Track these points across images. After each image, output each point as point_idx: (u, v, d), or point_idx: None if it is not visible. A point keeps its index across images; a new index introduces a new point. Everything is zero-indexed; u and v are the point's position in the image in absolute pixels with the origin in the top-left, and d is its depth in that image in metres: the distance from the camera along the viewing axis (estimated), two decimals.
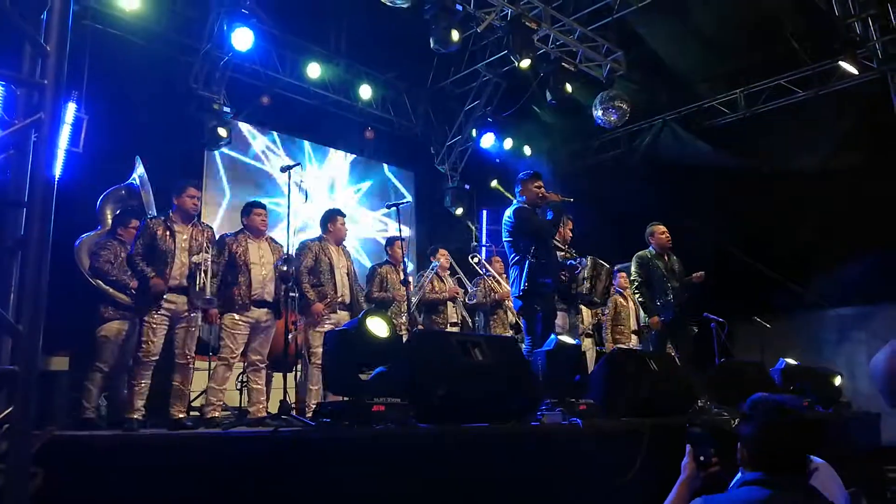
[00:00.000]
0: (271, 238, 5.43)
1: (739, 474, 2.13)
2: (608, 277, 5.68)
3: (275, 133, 9.37)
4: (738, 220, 9.29)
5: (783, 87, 9.39)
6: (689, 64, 9.31)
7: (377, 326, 3.58)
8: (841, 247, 8.36)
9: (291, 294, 5.25)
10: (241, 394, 5.84)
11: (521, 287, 5.04)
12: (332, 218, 5.77)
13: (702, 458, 2.43)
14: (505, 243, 5.36)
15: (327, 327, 5.26)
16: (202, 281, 4.73)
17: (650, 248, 6.46)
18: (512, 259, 5.23)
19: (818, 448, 2.16)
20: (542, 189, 5.35)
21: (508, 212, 5.29)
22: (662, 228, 6.50)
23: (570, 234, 5.85)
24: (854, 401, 7.41)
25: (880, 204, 7.97)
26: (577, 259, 5.63)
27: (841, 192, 8.39)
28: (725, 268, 9.00)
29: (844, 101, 8.78)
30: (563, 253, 5.71)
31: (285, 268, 5.09)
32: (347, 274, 5.68)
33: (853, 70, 8.29)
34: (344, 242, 5.88)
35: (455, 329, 6.79)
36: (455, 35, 7.61)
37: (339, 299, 5.50)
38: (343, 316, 5.49)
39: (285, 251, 5.21)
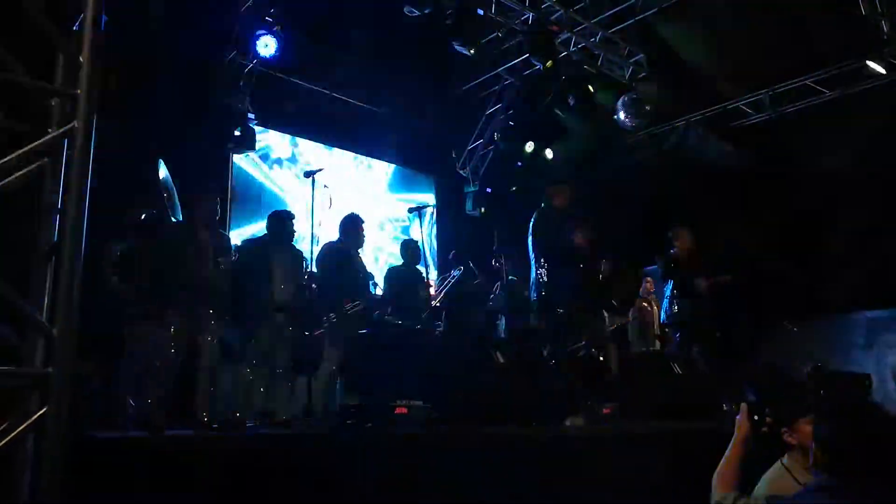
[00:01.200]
0: (293, 245, 5.47)
1: (813, 477, 2.09)
2: (636, 282, 5.65)
3: (298, 138, 9.45)
4: (765, 222, 9.18)
5: (809, 87, 9.25)
6: (712, 65, 9.23)
7: (395, 321, 3.61)
8: (870, 249, 8.23)
9: (312, 298, 5.30)
10: (265, 397, 5.90)
11: (541, 290, 5.05)
12: (352, 223, 5.80)
13: (756, 418, 2.41)
14: (529, 246, 5.38)
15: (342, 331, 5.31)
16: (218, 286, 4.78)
17: (672, 250, 6.50)
18: (532, 262, 5.25)
19: None
20: (564, 196, 5.37)
21: (535, 215, 5.33)
22: (685, 231, 6.52)
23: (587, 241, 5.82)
24: (884, 406, 7.27)
25: None
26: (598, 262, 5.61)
27: (871, 193, 8.27)
28: (752, 270, 8.90)
29: (872, 101, 8.64)
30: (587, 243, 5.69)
31: (305, 279, 5.16)
32: (365, 278, 5.71)
33: (881, 70, 8.16)
34: (363, 247, 5.90)
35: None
36: (476, 40, 7.64)
37: (358, 304, 5.53)
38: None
39: (308, 259, 5.26)
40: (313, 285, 5.25)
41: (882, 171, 8.15)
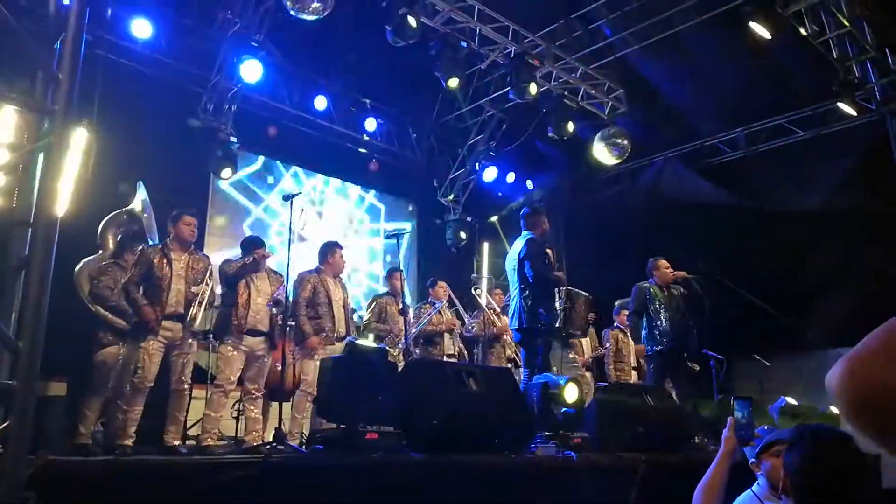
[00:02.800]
0: (270, 269, 5.46)
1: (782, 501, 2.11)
2: (585, 307, 5.65)
3: (280, 163, 9.49)
4: (740, 258, 9.31)
5: (784, 126, 9.49)
6: (689, 103, 9.44)
7: (366, 342, 3.61)
8: (842, 286, 8.37)
9: (290, 324, 5.28)
10: (237, 423, 5.83)
11: (523, 318, 5.09)
12: (330, 250, 5.79)
13: (742, 433, 2.41)
14: (510, 272, 5.41)
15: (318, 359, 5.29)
16: (194, 311, 4.77)
17: (651, 280, 6.55)
18: (515, 289, 5.28)
19: (867, 485, 2.05)
20: (546, 223, 5.44)
21: (520, 242, 5.36)
22: (666, 263, 6.60)
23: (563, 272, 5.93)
24: (854, 437, 7.33)
25: (880, 244, 8.01)
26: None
27: (841, 231, 8.44)
28: (726, 305, 9.01)
29: (844, 141, 8.88)
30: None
31: (274, 310, 5.15)
32: (344, 306, 5.69)
33: (852, 112, 8.40)
34: (342, 274, 5.90)
35: (451, 360, 6.79)
36: (459, 71, 7.78)
37: (336, 333, 5.50)
38: (339, 348, 5.46)
39: (285, 283, 5.25)
40: (285, 311, 5.24)
41: (853, 209, 8.33)
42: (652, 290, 6.49)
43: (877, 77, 8.46)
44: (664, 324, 6.32)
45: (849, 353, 0.77)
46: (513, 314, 5.31)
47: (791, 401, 6.66)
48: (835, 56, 8.16)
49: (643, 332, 6.58)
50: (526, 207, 5.63)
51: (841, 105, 8.41)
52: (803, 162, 9.18)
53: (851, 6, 7.71)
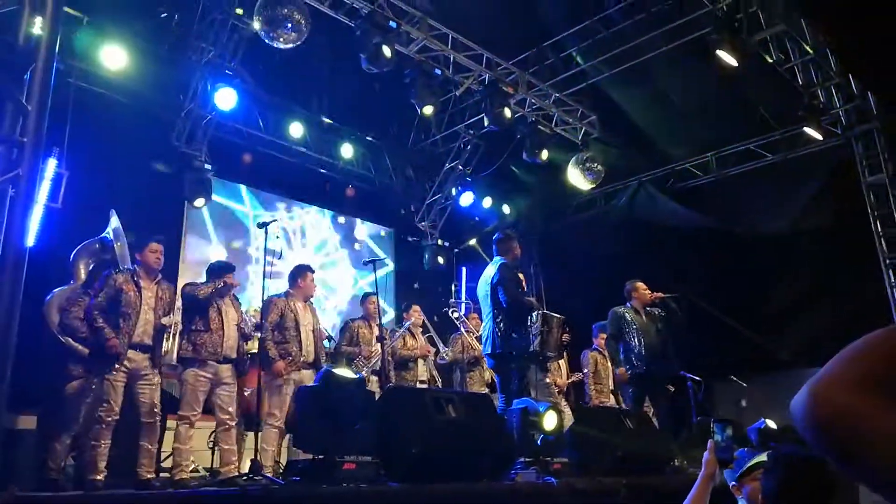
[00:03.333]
0: (234, 296, 5.42)
1: None
2: (559, 329, 5.67)
3: (256, 190, 9.46)
4: (714, 280, 9.43)
5: (752, 151, 9.69)
6: (660, 128, 9.62)
7: (344, 372, 3.58)
8: (813, 306, 8.51)
9: (253, 352, 5.23)
10: (213, 454, 5.72)
11: (497, 343, 5.09)
12: (301, 274, 5.75)
13: (722, 455, 2.43)
14: (482, 298, 5.42)
15: (289, 386, 5.23)
16: (168, 346, 4.71)
17: (628, 304, 6.60)
18: (488, 315, 5.28)
19: None
20: (518, 248, 5.48)
21: (493, 268, 5.38)
22: (643, 285, 6.65)
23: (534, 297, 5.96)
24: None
25: (849, 263, 8.17)
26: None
27: (811, 252, 8.60)
28: (702, 327, 9.10)
29: (811, 164, 9.08)
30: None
31: (246, 330, 5.12)
32: (313, 331, 5.64)
33: (818, 136, 8.61)
34: (312, 299, 5.85)
35: (423, 386, 6.75)
36: (434, 98, 7.86)
37: (303, 358, 5.44)
38: (306, 374, 5.41)
39: (245, 310, 5.22)
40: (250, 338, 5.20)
41: (821, 230, 8.50)
42: (628, 314, 6.54)
43: (841, 102, 8.71)
44: (639, 348, 6.37)
45: (812, 378, 0.78)
46: (486, 340, 5.32)
47: (771, 424, 6.68)
48: (800, 82, 8.39)
49: (620, 356, 6.61)
50: (498, 233, 5.68)
51: (807, 129, 8.62)
52: (772, 185, 9.37)
53: (815, 35, 7.94)
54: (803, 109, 8.41)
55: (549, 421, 4.27)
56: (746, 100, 8.86)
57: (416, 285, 10.45)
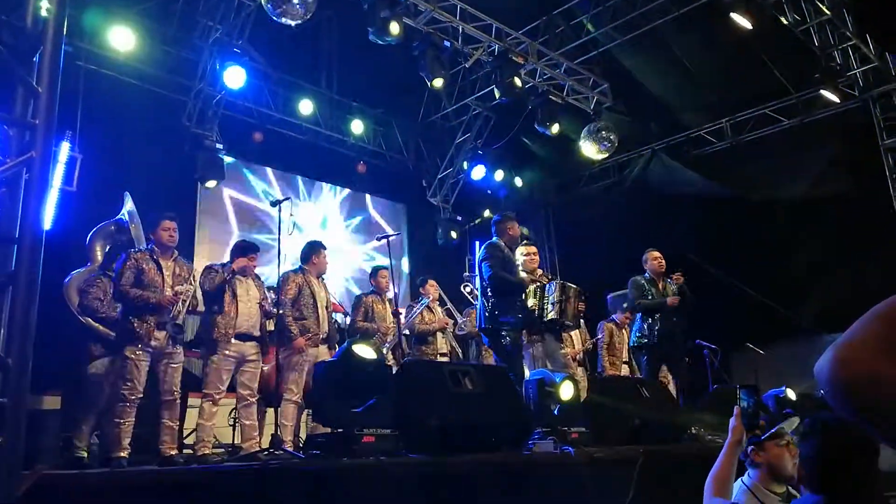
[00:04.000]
0: (256, 275, 5.45)
1: (799, 495, 2.11)
2: (576, 298, 5.69)
3: (268, 169, 9.46)
4: (729, 248, 9.36)
5: (768, 115, 9.54)
6: (674, 95, 9.48)
7: (364, 352, 3.60)
8: (831, 271, 8.43)
9: (270, 329, 5.27)
10: (233, 430, 5.81)
11: (484, 319, 5.17)
12: (315, 250, 5.74)
13: (748, 421, 2.41)
14: (475, 276, 5.50)
15: (306, 362, 5.29)
16: (178, 310, 4.74)
17: (645, 273, 6.61)
18: (479, 291, 5.35)
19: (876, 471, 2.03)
20: (516, 229, 5.50)
21: (482, 247, 5.46)
22: (657, 254, 6.69)
23: (529, 259, 5.91)
24: None
25: (866, 228, 8.07)
26: (548, 284, 5.69)
27: (828, 217, 8.50)
28: (718, 295, 9.05)
29: (828, 128, 8.94)
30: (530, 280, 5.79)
31: (271, 308, 5.15)
32: (326, 307, 5.66)
33: (835, 98, 8.45)
34: (325, 275, 5.86)
35: (444, 359, 6.79)
36: (440, 80, 7.78)
37: (321, 334, 5.47)
38: (322, 350, 5.44)
39: (267, 287, 5.26)
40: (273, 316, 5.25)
41: (839, 195, 8.39)
42: (646, 283, 6.58)
43: (858, 64, 8.54)
44: (656, 317, 6.42)
45: (836, 341, 0.77)
46: (478, 316, 5.39)
47: (790, 392, 6.66)
48: (816, 44, 8.23)
49: (637, 324, 6.67)
50: (497, 215, 5.71)
51: (824, 92, 8.47)
52: (789, 150, 9.24)
53: None
54: (820, 72, 8.26)
55: (566, 391, 4.28)
56: (761, 63, 8.70)
57: (429, 260, 10.45)
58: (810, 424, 2.07)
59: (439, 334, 6.88)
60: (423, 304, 6.82)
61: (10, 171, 2.02)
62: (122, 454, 4.45)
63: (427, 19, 7.66)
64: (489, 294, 5.20)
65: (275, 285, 5.65)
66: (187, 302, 4.80)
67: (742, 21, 7.14)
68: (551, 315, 5.41)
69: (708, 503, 2.30)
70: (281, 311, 5.24)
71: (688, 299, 6.57)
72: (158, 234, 4.95)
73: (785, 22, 7.83)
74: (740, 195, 9.34)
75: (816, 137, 8.99)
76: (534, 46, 8.59)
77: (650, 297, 6.51)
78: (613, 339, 7.94)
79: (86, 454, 4.89)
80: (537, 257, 5.91)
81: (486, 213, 10.69)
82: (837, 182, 8.53)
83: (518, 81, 8.19)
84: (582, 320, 7.15)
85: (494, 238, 5.46)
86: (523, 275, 5.26)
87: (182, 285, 4.83)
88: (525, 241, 6.06)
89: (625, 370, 7.78)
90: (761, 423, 2.44)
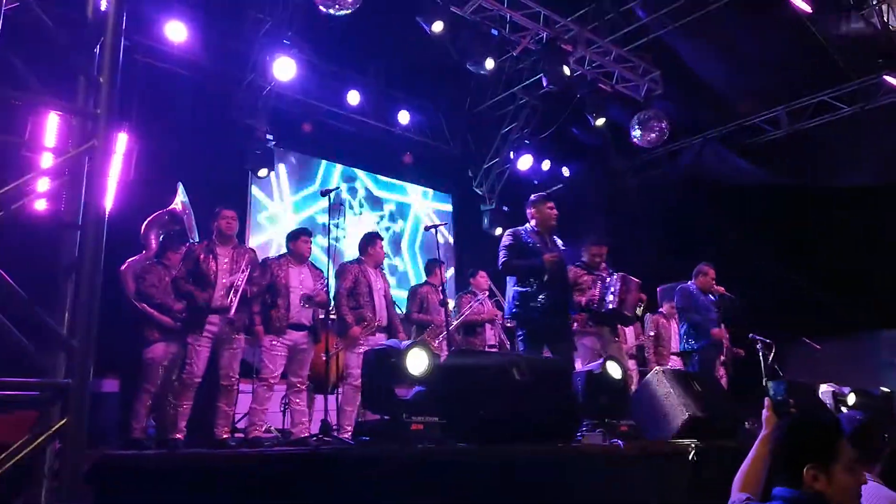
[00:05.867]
0: (312, 264, 5.53)
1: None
2: (637, 291, 5.62)
3: (316, 159, 9.57)
4: (784, 239, 9.10)
5: (827, 103, 9.22)
6: (727, 82, 9.22)
7: (415, 363, 3.57)
8: (893, 265, 8.12)
9: (331, 317, 5.33)
10: (283, 415, 5.91)
11: (510, 306, 5.08)
12: (371, 241, 5.81)
13: (780, 410, 2.42)
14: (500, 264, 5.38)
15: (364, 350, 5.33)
16: (231, 299, 4.84)
17: (692, 283, 6.80)
18: (507, 279, 5.27)
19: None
20: (555, 211, 5.35)
21: (506, 233, 5.35)
22: (712, 273, 6.78)
23: (599, 260, 5.83)
24: None
25: None
26: (609, 275, 5.59)
27: (890, 208, 8.18)
28: (774, 288, 8.81)
29: (891, 115, 8.59)
30: (586, 277, 5.69)
31: (306, 306, 5.20)
32: (385, 296, 5.70)
33: None
34: (382, 265, 5.93)
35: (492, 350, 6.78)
36: (490, 62, 7.73)
37: (378, 323, 5.52)
38: (381, 339, 5.49)
39: (325, 277, 5.32)
40: (328, 305, 5.30)
41: None
42: (694, 292, 6.75)
43: None
44: (702, 325, 6.60)
45: None
46: (509, 301, 5.26)
47: (851, 397, 6.45)
48: (878, 27, 7.89)
49: (682, 327, 6.84)
50: (532, 196, 5.56)
51: (887, 78, 8.13)
52: (849, 138, 8.91)
53: None
54: (882, 56, 7.93)
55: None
56: (820, 48, 8.39)
57: (476, 250, 10.41)
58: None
59: (488, 325, 6.87)
60: (478, 300, 6.81)
61: (73, 159, 2.08)
62: (178, 436, 4.58)
63: (474, 7, 7.61)
64: (512, 282, 5.12)
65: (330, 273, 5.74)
66: (239, 289, 4.89)
67: (801, 4, 6.90)
68: (611, 306, 5.33)
69: (734, 497, 2.26)
70: (337, 301, 5.31)
71: (734, 307, 6.70)
72: (219, 223, 5.07)
73: (846, 3, 7.53)
74: (797, 184, 9.06)
75: (879, 125, 8.65)
76: (583, 34, 8.46)
77: (697, 306, 6.66)
78: (660, 332, 7.83)
79: (143, 436, 5.05)
80: (603, 257, 5.86)
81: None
82: None
83: (566, 70, 8.08)
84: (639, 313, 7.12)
85: (528, 222, 5.35)
86: (550, 255, 5.02)
87: (235, 274, 4.93)
88: (597, 241, 5.96)
89: (674, 362, 7.66)
90: (792, 412, 2.39)
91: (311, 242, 5.49)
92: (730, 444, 4.51)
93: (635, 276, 5.71)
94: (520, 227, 5.32)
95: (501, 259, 5.15)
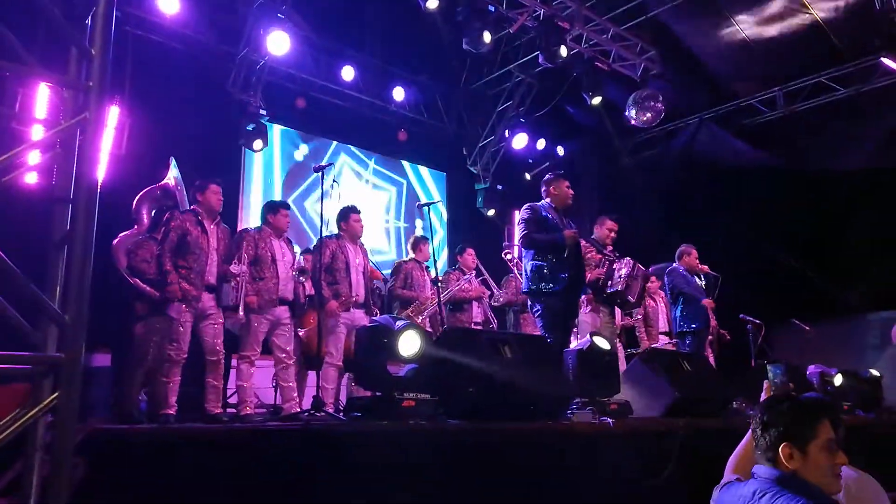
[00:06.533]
0: (288, 239, 5.51)
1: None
2: (644, 280, 5.67)
3: (309, 135, 9.50)
4: (777, 221, 9.13)
5: (823, 84, 9.20)
6: (725, 62, 9.18)
7: (408, 345, 3.59)
8: (885, 248, 8.17)
9: (310, 294, 5.33)
10: (275, 391, 5.94)
11: (527, 286, 5.08)
12: (346, 215, 5.73)
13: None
14: (515, 245, 5.39)
15: (342, 326, 5.34)
16: (238, 296, 4.83)
17: (678, 264, 6.95)
18: (524, 254, 5.25)
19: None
20: (571, 190, 5.34)
21: (524, 207, 5.32)
22: (695, 254, 6.91)
23: (612, 236, 5.87)
24: None
25: None
26: (617, 258, 5.63)
27: (884, 192, 8.21)
28: (764, 269, 8.85)
29: (888, 98, 8.58)
30: (595, 255, 5.70)
31: (301, 279, 5.18)
32: (364, 272, 5.67)
33: (895, 66, 8.10)
34: (362, 239, 5.86)
35: (478, 328, 6.81)
36: (487, 36, 7.66)
37: (354, 298, 5.49)
38: (358, 314, 5.48)
39: (300, 253, 5.31)
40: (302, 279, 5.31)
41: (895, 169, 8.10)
42: (684, 273, 6.90)
43: None
44: (691, 306, 6.75)
45: None
46: (526, 276, 5.26)
47: (838, 378, 6.52)
48: (877, 7, 7.85)
49: (677, 309, 6.94)
50: (549, 173, 5.52)
51: (884, 60, 8.11)
52: (845, 120, 8.91)
53: None
54: (880, 38, 7.90)
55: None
56: (817, 29, 8.36)
57: (468, 228, 10.42)
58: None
59: (475, 303, 6.89)
60: (466, 279, 6.82)
61: (65, 132, 2.06)
62: (169, 411, 4.60)
63: None
64: (530, 257, 5.12)
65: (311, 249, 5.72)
66: (241, 284, 4.87)
67: None
68: (618, 287, 5.36)
69: (725, 477, 2.27)
70: (316, 276, 5.30)
71: (713, 292, 6.86)
72: (208, 196, 5.02)
73: None
74: (791, 166, 9.07)
75: (874, 107, 8.65)
76: (581, 11, 8.38)
77: (686, 287, 6.84)
78: (648, 312, 7.87)
79: (135, 410, 5.05)
80: (614, 233, 5.91)
81: (527, 177, 10.60)
82: (894, 156, 8.22)
83: (563, 48, 8.02)
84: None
85: (543, 199, 5.34)
86: (571, 233, 5.04)
87: (236, 265, 4.89)
88: (615, 218, 5.99)
89: (662, 341, 7.71)
90: (791, 396, 2.37)
91: (289, 216, 5.45)
92: (716, 424, 4.57)
93: (629, 256, 5.74)
94: (537, 203, 5.30)
95: (522, 232, 5.13)
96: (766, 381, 2.49)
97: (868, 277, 8.66)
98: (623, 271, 5.48)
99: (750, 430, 2.33)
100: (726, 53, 8.95)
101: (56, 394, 1.85)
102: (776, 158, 9.32)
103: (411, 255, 6.76)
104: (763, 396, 2.44)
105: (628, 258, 5.63)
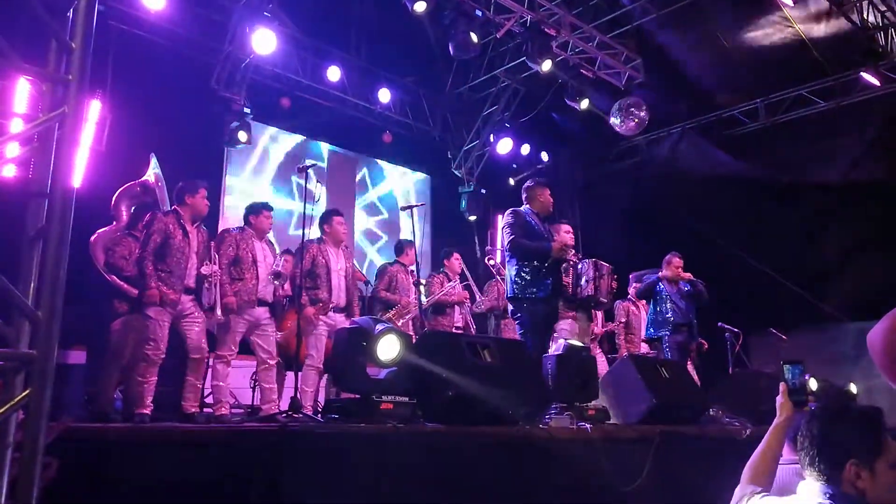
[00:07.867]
0: (269, 241, 5.48)
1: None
2: (610, 276, 5.69)
3: (293, 135, 9.46)
4: (757, 231, 9.23)
5: (804, 97, 9.33)
6: (708, 73, 9.28)
7: (387, 350, 3.59)
8: (862, 259, 8.28)
9: (289, 296, 5.31)
10: (253, 392, 5.90)
11: (511, 288, 5.10)
12: (328, 219, 5.69)
13: (796, 398, 2.20)
14: (498, 249, 5.40)
15: (323, 329, 5.32)
16: (213, 297, 4.80)
17: (660, 272, 6.95)
18: (507, 259, 5.27)
19: None
20: (551, 199, 5.38)
21: (506, 214, 5.34)
22: (679, 262, 6.93)
23: (571, 243, 5.88)
24: None
25: None
26: (579, 261, 5.64)
27: (862, 204, 8.32)
28: (742, 278, 8.94)
29: (867, 112, 8.72)
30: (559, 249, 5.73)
31: (276, 282, 5.16)
32: (346, 276, 5.64)
33: (875, 81, 8.23)
34: (345, 243, 5.83)
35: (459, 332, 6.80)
36: (474, 40, 7.68)
37: (334, 304, 5.46)
38: (339, 318, 5.46)
39: (280, 254, 5.30)
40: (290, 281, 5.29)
41: (874, 182, 8.22)
42: (661, 283, 6.92)
43: None
44: (669, 313, 6.81)
45: (892, 311, 0.75)
46: (510, 282, 5.28)
47: (812, 383, 6.60)
48: (858, 23, 7.99)
49: (651, 315, 7.02)
50: (529, 181, 5.57)
51: (864, 74, 8.24)
52: (824, 133, 9.04)
53: None
54: (861, 53, 8.03)
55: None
56: (800, 42, 8.48)
57: (451, 232, 10.42)
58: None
59: (456, 307, 6.89)
60: (451, 283, 6.81)
61: (43, 126, 2.03)
62: (144, 411, 4.54)
63: None
64: (514, 262, 5.13)
65: (292, 250, 5.68)
66: (217, 285, 4.85)
67: None
68: (587, 292, 5.38)
69: (740, 490, 2.08)
70: (298, 282, 5.27)
71: (701, 299, 6.88)
72: (197, 200, 4.96)
73: (827, 1, 7.61)
74: (771, 177, 9.18)
75: (853, 121, 8.79)
76: (567, 18, 8.43)
77: (663, 295, 6.89)
78: (630, 319, 7.92)
79: (109, 409, 4.99)
80: (572, 236, 5.89)
81: (511, 182, 10.63)
82: (873, 168, 8.35)
83: (548, 62, 8.06)
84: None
85: (526, 206, 5.36)
86: (559, 242, 5.08)
87: (208, 265, 4.86)
88: (562, 220, 6.04)
89: (643, 348, 7.76)
90: (809, 400, 2.25)
91: (272, 218, 5.43)
92: (693, 430, 4.61)
93: (607, 262, 5.76)
94: (519, 208, 5.32)
95: (508, 237, 5.14)
96: (781, 384, 2.31)
97: (845, 288, 8.76)
98: (589, 273, 5.50)
99: (768, 437, 2.18)
100: (710, 65, 9.05)
101: (27, 391, 1.82)
102: (757, 169, 9.43)
103: (395, 258, 6.75)
104: (779, 400, 2.23)
105: (587, 260, 5.63)
